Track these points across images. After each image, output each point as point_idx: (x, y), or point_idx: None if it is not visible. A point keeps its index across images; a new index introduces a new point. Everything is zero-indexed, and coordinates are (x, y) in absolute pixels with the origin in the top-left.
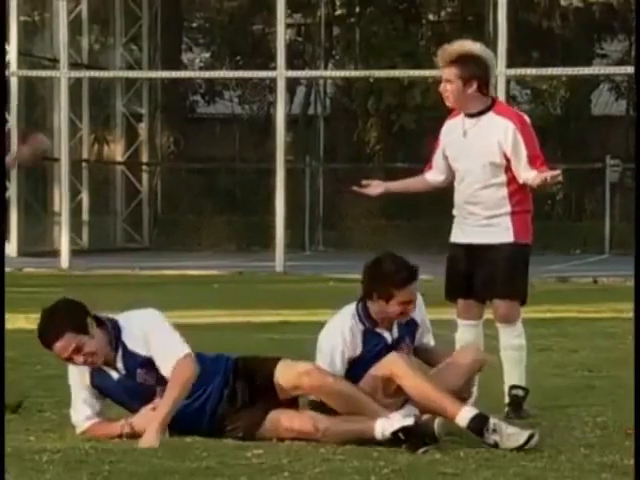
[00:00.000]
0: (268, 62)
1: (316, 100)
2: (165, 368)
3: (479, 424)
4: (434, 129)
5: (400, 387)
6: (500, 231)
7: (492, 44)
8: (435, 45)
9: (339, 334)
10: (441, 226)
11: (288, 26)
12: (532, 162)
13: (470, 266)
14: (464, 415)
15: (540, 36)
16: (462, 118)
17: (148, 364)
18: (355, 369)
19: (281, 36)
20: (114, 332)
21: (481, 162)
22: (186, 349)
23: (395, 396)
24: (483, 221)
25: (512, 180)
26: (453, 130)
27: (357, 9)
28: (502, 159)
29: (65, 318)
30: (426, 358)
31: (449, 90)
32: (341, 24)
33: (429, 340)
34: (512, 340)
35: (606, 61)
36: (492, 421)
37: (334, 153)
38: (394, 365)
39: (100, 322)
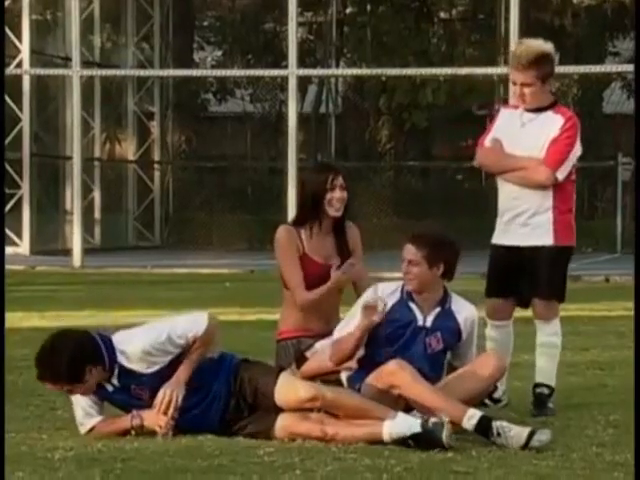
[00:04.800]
0: (279, 60)
1: (327, 98)
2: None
3: (484, 427)
4: (446, 127)
5: (401, 396)
6: (542, 233)
7: (504, 42)
8: (447, 43)
9: (373, 290)
10: (452, 224)
11: (299, 24)
12: (549, 158)
13: (511, 267)
14: (468, 419)
15: (552, 34)
16: (521, 110)
17: (143, 381)
18: (376, 340)
19: (292, 34)
20: (110, 355)
21: (533, 156)
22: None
23: (395, 407)
24: (525, 218)
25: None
26: (511, 120)
27: (368, 7)
28: None
29: (65, 369)
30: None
31: (527, 93)
32: (352, 22)
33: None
34: (547, 338)
35: (618, 59)
36: (494, 424)
37: (345, 151)
38: (393, 377)
39: (98, 358)
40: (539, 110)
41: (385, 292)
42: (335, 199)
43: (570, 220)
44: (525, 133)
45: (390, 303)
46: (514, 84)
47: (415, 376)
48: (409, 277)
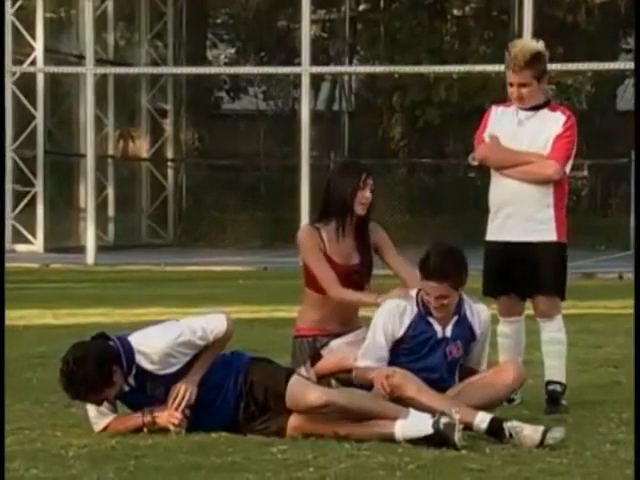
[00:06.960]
0: (293, 58)
1: (341, 96)
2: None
3: (496, 429)
4: (459, 125)
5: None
6: (545, 229)
7: (517, 39)
8: (460, 40)
9: (387, 309)
10: (465, 221)
11: (313, 22)
12: (556, 153)
13: (511, 263)
14: (480, 423)
15: (565, 31)
16: (515, 109)
17: (160, 381)
18: (397, 351)
19: (306, 32)
20: (127, 355)
21: (535, 152)
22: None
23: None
24: (528, 213)
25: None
26: (505, 118)
27: (381, 4)
28: None
29: (96, 376)
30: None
31: (525, 93)
32: (365, 20)
33: (478, 365)
34: (552, 334)
35: (632, 56)
36: (506, 425)
37: (359, 149)
38: (399, 389)
39: (118, 357)
40: (535, 108)
41: (402, 309)
42: (365, 197)
43: (565, 217)
44: (524, 130)
45: (408, 320)
46: (511, 85)
47: (420, 385)
48: (441, 309)
